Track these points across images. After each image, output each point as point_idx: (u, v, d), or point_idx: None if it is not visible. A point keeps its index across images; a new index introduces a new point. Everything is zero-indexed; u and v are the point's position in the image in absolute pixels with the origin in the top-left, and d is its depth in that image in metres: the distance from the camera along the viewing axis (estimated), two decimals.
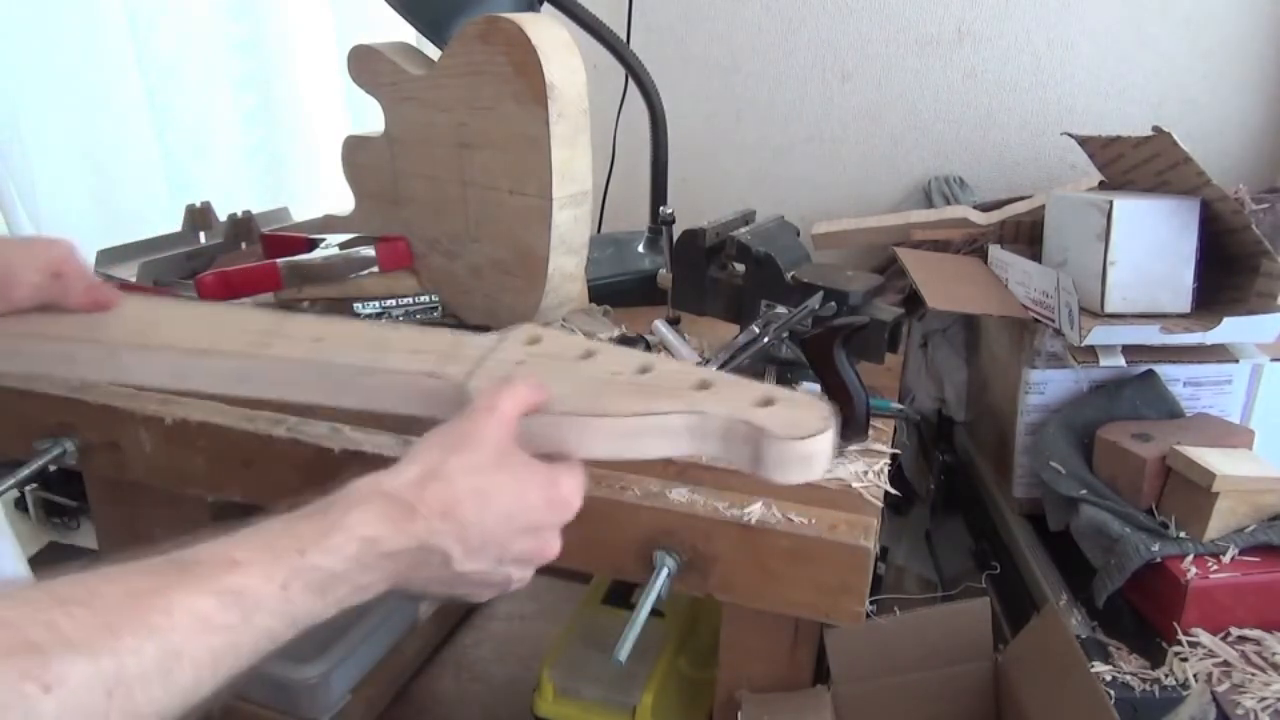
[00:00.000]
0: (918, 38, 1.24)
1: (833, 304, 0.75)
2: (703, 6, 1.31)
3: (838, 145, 1.32)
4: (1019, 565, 0.84)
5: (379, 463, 0.45)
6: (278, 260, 0.91)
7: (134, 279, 0.99)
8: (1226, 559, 0.67)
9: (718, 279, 0.86)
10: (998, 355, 0.94)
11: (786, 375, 0.76)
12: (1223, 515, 0.68)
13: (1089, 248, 0.80)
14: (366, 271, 0.93)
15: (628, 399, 0.48)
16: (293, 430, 0.73)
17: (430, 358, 0.53)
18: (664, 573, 0.61)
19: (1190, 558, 0.67)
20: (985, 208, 1.09)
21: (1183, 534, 0.69)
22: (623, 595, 1.05)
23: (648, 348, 0.84)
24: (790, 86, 1.31)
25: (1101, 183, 0.95)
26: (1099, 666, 0.66)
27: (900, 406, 0.78)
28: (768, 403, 0.47)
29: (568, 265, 0.86)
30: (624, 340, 0.84)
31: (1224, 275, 0.80)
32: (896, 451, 0.72)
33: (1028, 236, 0.98)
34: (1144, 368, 0.81)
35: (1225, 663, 0.64)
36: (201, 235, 1.13)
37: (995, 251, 0.94)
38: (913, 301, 0.96)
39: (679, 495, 0.64)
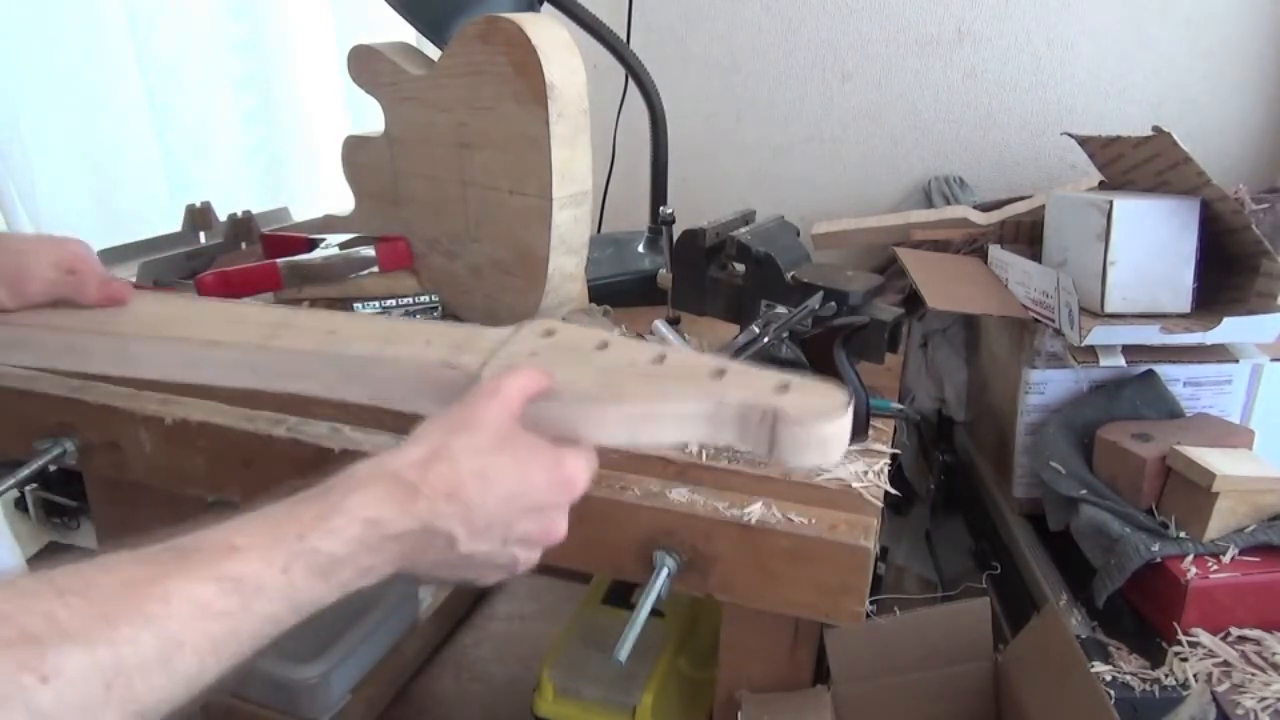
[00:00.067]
0: (918, 38, 1.24)
1: (833, 304, 0.75)
2: (703, 6, 1.31)
3: (838, 145, 1.32)
4: (1019, 565, 0.84)
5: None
6: (278, 260, 0.91)
7: (134, 279, 0.99)
8: (1226, 559, 0.67)
9: (718, 279, 0.86)
10: (998, 355, 0.94)
11: None
12: (1223, 515, 0.68)
13: (1089, 248, 0.80)
14: (366, 271, 0.93)
15: (642, 386, 0.47)
16: (293, 430, 0.73)
17: (444, 349, 0.52)
18: (664, 573, 0.61)
19: (1190, 558, 0.67)
20: (985, 208, 1.09)
21: (1183, 534, 0.69)
22: (623, 595, 1.05)
23: None
24: (790, 86, 1.31)
25: (1101, 183, 0.95)
26: (1099, 666, 0.66)
27: (900, 406, 0.78)
28: (784, 388, 0.46)
29: (568, 265, 0.86)
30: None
31: (1224, 275, 0.79)
32: (896, 451, 0.72)
33: (1028, 236, 0.98)
34: (1144, 368, 0.81)
35: (1225, 663, 0.64)
36: (201, 235, 1.13)
37: (995, 251, 0.94)
38: (913, 301, 0.96)
39: (679, 495, 0.64)
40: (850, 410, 0.45)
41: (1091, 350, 0.79)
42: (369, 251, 0.93)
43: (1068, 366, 0.82)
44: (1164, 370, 0.81)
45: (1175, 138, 0.77)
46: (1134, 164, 0.84)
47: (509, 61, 0.77)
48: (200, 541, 0.36)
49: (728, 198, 1.30)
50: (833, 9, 1.26)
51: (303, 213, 1.25)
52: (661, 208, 0.95)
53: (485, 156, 0.84)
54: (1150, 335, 0.77)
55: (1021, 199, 1.07)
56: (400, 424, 0.69)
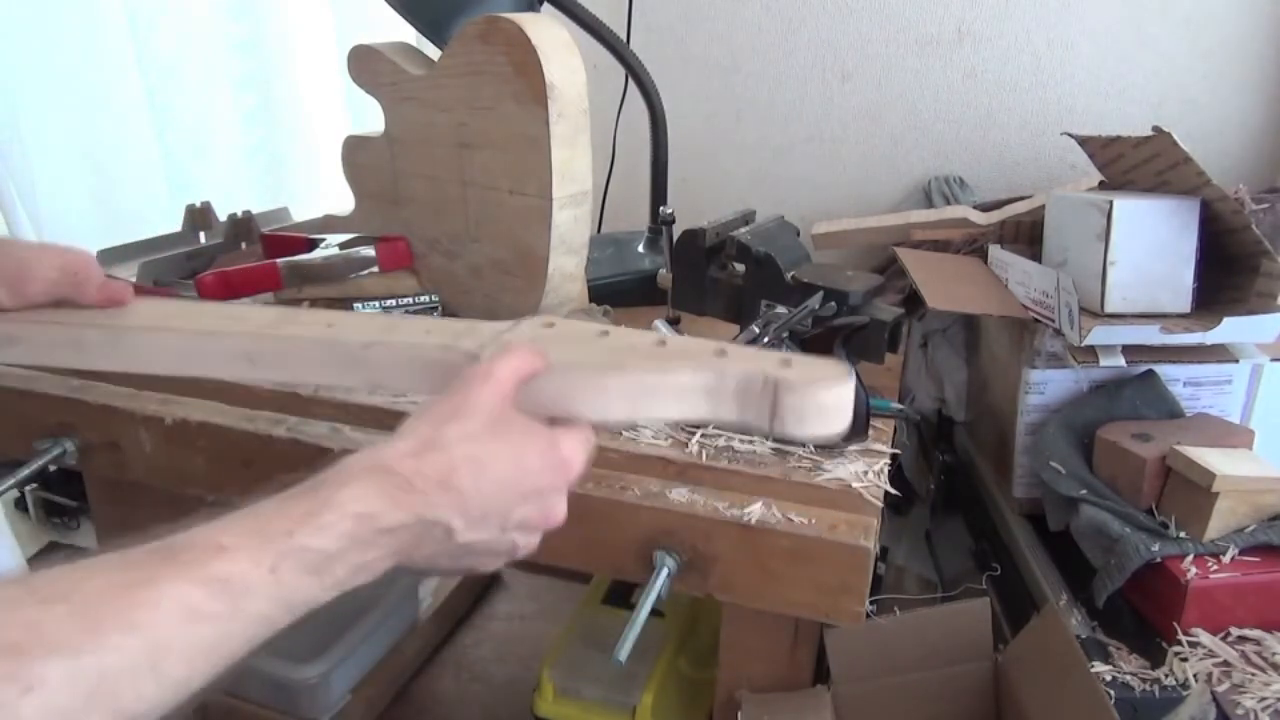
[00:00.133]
0: (918, 38, 1.24)
1: (833, 304, 0.75)
2: (703, 6, 1.31)
3: (838, 145, 1.32)
4: (1019, 565, 0.84)
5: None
6: (278, 260, 0.91)
7: (134, 279, 0.99)
8: (1226, 559, 0.67)
9: (718, 279, 0.86)
10: (998, 355, 0.94)
11: None
12: (1223, 515, 0.68)
13: (1089, 248, 0.80)
14: (366, 271, 0.93)
15: (643, 361, 0.47)
16: (293, 430, 0.73)
17: (443, 336, 0.52)
18: (664, 573, 0.61)
19: (1190, 558, 0.67)
20: (985, 208, 1.09)
21: (1183, 534, 0.69)
22: (623, 595, 1.05)
23: None
24: (790, 86, 1.31)
25: (1101, 183, 0.95)
26: (1099, 666, 0.66)
27: (900, 406, 0.78)
28: (785, 363, 0.46)
29: (568, 265, 0.86)
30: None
31: (1224, 275, 0.79)
32: (896, 451, 0.72)
33: (1028, 236, 0.98)
34: (1144, 368, 0.81)
35: (1225, 663, 0.64)
36: (201, 235, 1.13)
37: (995, 251, 0.94)
38: (913, 301, 0.96)
39: (679, 495, 0.64)
40: (852, 380, 0.45)
41: (1091, 350, 0.79)
42: (369, 251, 0.93)
43: (1068, 366, 0.82)
44: (1164, 370, 0.81)
45: (1175, 138, 0.77)
46: (1134, 164, 0.84)
47: (509, 61, 0.77)
48: (187, 542, 0.35)
49: (728, 198, 1.30)
50: (833, 9, 1.26)
51: (303, 213, 1.25)
52: (661, 208, 0.95)
53: (485, 156, 0.84)
54: (1150, 335, 0.77)
55: (1021, 199, 1.07)
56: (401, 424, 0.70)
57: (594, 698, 0.94)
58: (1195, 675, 0.63)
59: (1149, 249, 0.78)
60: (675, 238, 0.89)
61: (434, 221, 0.93)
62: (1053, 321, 0.81)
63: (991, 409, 0.96)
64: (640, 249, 1.13)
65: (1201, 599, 0.66)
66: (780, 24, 1.29)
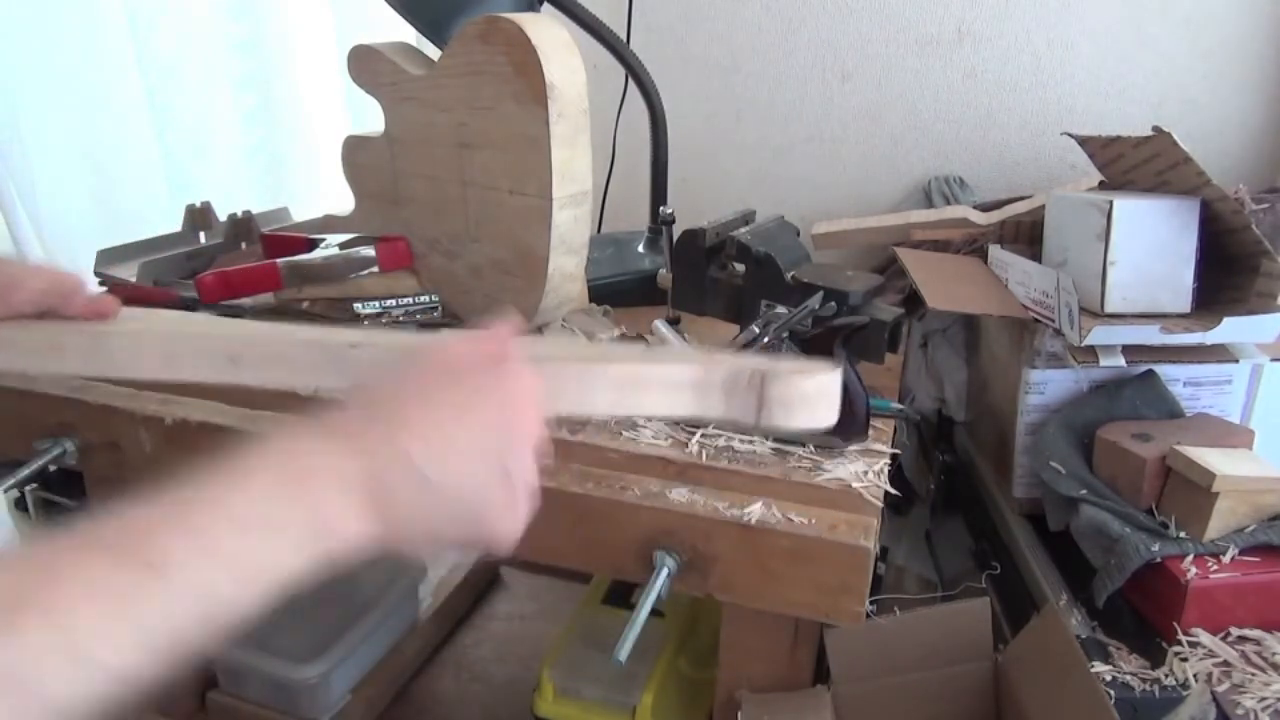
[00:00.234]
0: (918, 38, 1.24)
1: (833, 304, 0.75)
2: (703, 6, 1.31)
3: (838, 145, 1.32)
4: (1019, 565, 0.84)
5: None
6: (278, 260, 0.91)
7: (134, 279, 0.99)
8: (1226, 559, 0.67)
9: (718, 279, 0.86)
10: (998, 355, 0.94)
11: None
12: (1223, 515, 0.68)
13: (1089, 248, 0.80)
14: (366, 271, 0.93)
15: (631, 354, 0.48)
16: None
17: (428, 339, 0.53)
18: (664, 573, 0.61)
19: (1190, 558, 0.67)
20: (985, 208, 1.09)
21: (1183, 534, 0.69)
22: (623, 595, 1.05)
23: None
24: (790, 86, 1.31)
25: (1101, 183, 0.95)
26: (1099, 666, 0.66)
27: (900, 406, 0.78)
28: (772, 361, 0.47)
29: (568, 265, 0.86)
30: (624, 340, 0.84)
31: (1224, 275, 0.79)
32: (896, 451, 0.72)
33: (1028, 236, 0.98)
34: (1144, 368, 0.81)
35: (1225, 663, 0.64)
36: (201, 235, 1.13)
37: (995, 251, 0.94)
38: (913, 301, 0.96)
39: (679, 495, 0.64)
40: (839, 374, 0.46)
41: (1091, 350, 0.79)
42: (369, 251, 0.93)
43: (1068, 366, 0.82)
44: (1164, 370, 0.81)
45: (1175, 138, 0.77)
46: (1134, 164, 0.84)
47: (509, 61, 0.77)
48: (115, 525, 0.34)
49: (728, 198, 1.30)
50: (833, 9, 1.26)
51: (303, 213, 1.25)
52: (661, 208, 0.95)
53: (485, 156, 0.84)
54: (1150, 335, 0.77)
55: (1021, 199, 1.07)
56: None
57: (594, 698, 0.94)
58: (1195, 675, 0.63)
59: (1149, 249, 0.78)
60: (675, 238, 0.89)
61: (434, 221, 0.93)
62: (1053, 321, 0.81)
63: (991, 409, 0.96)
64: (640, 249, 1.13)
65: (1201, 599, 0.66)
66: (780, 24, 1.29)
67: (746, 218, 0.92)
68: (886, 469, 0.68)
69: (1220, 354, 0.81)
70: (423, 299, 0.91)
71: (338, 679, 0.98)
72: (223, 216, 1.14)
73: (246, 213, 1.14)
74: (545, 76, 0.76)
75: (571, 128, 0.79)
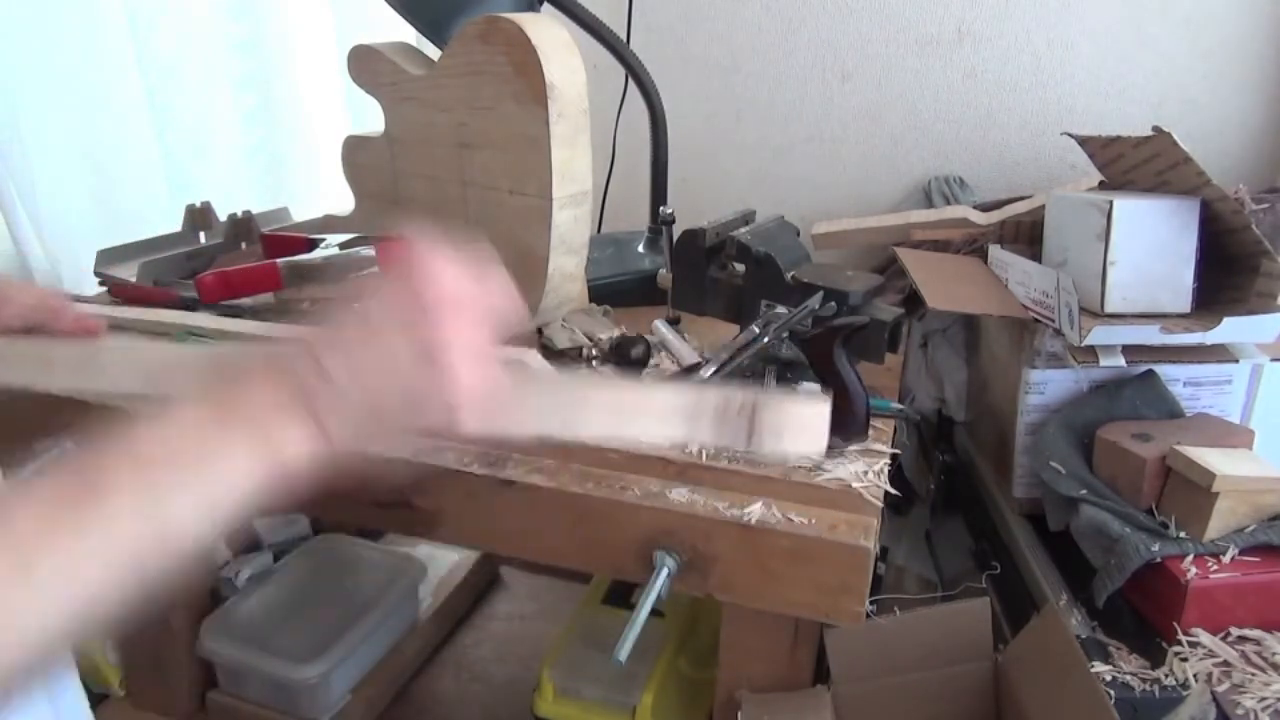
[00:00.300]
0: (918, 38, 1.24)
1: (833, 304, 0.75)
2: (703, 6, 1.31)
3: (838, 145, 1.32)
4: (1019, 565, 0.84)
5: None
6: (278, 260, 0.91)
7: (134, 279, 0.99)
8: (1226, 559, 0.67)
9: (718, 279, 0.86)
10: (998, 355, 0.94)
11: (786, 375, 0.76)
12: (1223, 515, 0.68)
13: (1089, 248, 0.80)
14: (366, 271, 0.93)
15: (625, 381, 0.48)
16: None
17: None
18: (664, 573, 0.61)
19: (1190, 558, 0.67)
20: (985, 208, 1.09)
21: (1183, 534, 0.69)
22: (623, 595, 1.05)
23: (648, 348, 0.84)
24: (790, 86, 1.31)
25: (1101, 183, 0.95)
26: (1099, 666, 0.66)
27: (900, 406, 0.78)
28: (763, 392, 0.48)
29: (568, 265, 0.86)
30: (624, 340, 0.84)
31: (1224, 275, 0.80)
32: (896, 451, 0.72)
33: (1028, 236, 0.98)
34: (1144, 368, 0.81)
35: (1225, 663, 0.64)
36: (201, 235, 1.13)
37: (995, 251, 0.94)
38: (913, 301, 0.96)
39: (679, 495, 0.64)
40: (829, 402, 0.47)
41: (1091, 350, 0.79)
42: (369, 251, 0.93)
43: (1068, 366, 0.82)
44: (1164, 370, 0.81)
45: (1175, 138, 0.77)
46: (1134, 164, 0.84)
47: (509, 61, 0.77)
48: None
49: (728, 198, 1.30)
50: (833, 9, 1.26)
51: (303, 213, 1.25)
52: (661, 208, 0.95)
53: (485, 156, 0.84)
54: (1150, 335, 0.77)
55: (1021, 199, 1.07)
56: None
57: (594, 698, 0.94)
58: (1195, 675, 0.64)
59: (1149, 249, 0.78)
60: (675, 238, 0.89)
61: (434, 221, 0.93)
62: (1053, 321, 0.81)
63: (991, 409, 0.96)
64: (640, 249, 1.13)
65: (1201, 599, 0.66)
66: (780, 24, 1.29)
67: (746, 218, 0.92)
68: (886, 469, 0.68)
69: (1220, 354, 0.81)
70: None
71: (338, 679, 0.98)
72: (223, 216, 1.14)
73: (246, 213, 1.14)
74: (545, 76, 0.76)
75: (571, 128, 0.79)
